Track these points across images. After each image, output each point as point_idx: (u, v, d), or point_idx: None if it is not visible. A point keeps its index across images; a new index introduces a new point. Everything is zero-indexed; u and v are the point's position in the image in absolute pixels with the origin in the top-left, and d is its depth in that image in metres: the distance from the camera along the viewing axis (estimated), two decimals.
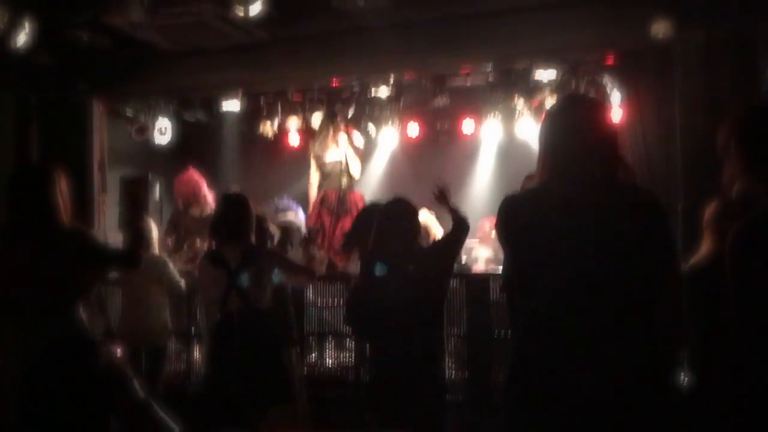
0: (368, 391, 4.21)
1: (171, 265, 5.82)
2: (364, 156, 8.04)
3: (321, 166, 7.97)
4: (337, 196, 7.61)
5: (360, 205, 7.51)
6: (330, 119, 8.05)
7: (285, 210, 8.02)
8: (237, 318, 4.11)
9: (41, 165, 3.78)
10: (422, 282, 3.92)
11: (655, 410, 2.26)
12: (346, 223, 7.41)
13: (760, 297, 2.21)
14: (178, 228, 7.26)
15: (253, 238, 4.31)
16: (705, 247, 3.45)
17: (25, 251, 3.39)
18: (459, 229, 4.18)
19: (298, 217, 8.16)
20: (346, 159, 7.82)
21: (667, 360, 2.38)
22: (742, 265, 2.30)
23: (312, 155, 8.18)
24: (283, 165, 9.47)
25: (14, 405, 3.09)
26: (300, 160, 9.50)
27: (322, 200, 7.66)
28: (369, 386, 4.28)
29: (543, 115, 2.60)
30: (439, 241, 4.34)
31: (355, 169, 7.85)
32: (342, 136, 7.84)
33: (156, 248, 5.87)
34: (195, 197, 7.29)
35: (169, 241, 7.15)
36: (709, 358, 3.06)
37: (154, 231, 5.89)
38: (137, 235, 3.65)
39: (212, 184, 7.63)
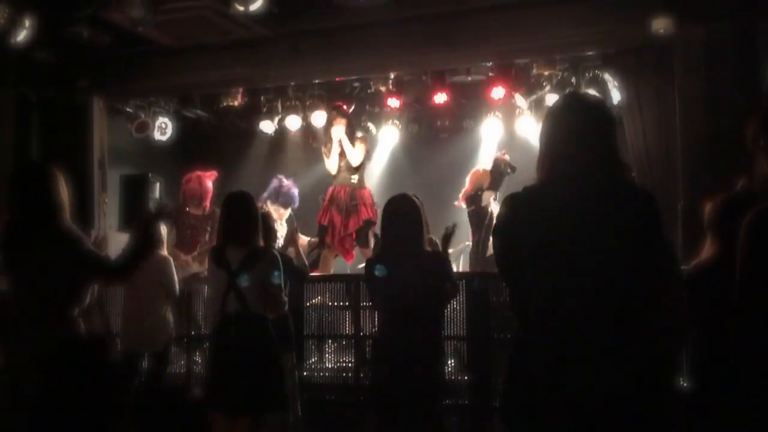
0: (368, 393, 4.20)
1: (172, 266, 5.78)
2: (366, 143, 7.71)
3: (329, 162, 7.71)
4: (346, 192, 7.48)
5: (369, 201, 7.42)
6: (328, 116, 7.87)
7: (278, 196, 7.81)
8: (235, 320, 4.08)
9: (44, 164, 3.73)
10: (423, 284, 3.91)
11: (654, 411, 2.26)
12: (355, 220, 7.35)
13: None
14: (178, 224, 7.21)
15: (259, 239, 4.20)
16: (708, 247, 3.40)
17: (27, 251, 3.39)
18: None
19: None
20: (342, 153, 7.55)
21: (666, 360, 2.38)
22: (757, 247, 2.31)
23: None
24: (283, 161, 9.47)
25: (21, 406, 3.11)
26: (300, 156, 9.50)
27: (331, 198, 7.45)
28: (369, 388, 4.27)
29: (544, 114, 2.61)
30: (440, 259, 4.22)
31: (354, 159, 7.58)
32: (337, 129, 7.59)
33: (164, 248, 5.83)
34: (200, 199, 7.24)
35: (170, 239, 7.07)
36: (710, 359, 3.05)
37: (164, 231, 5.85)
38: (140, 246, 3.45)
39: (216, 182, 7.58)
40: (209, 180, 7.38)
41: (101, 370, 2.34)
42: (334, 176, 7.56)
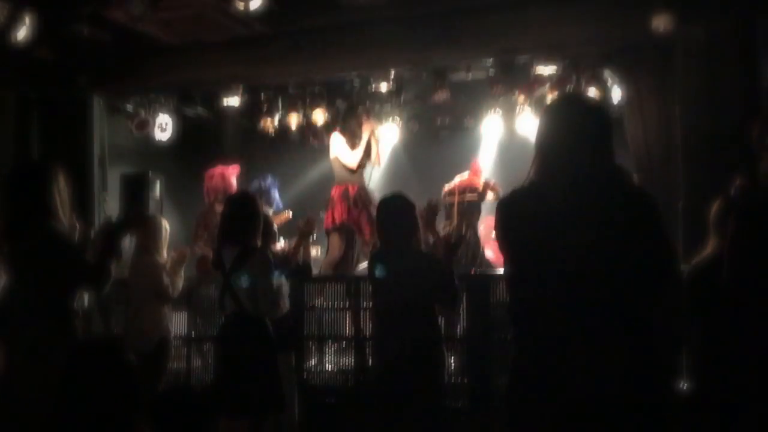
0: (368, 394, 4.20)
1: (161, 270, 5.69)
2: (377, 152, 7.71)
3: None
4: (358, 190, 7.41)
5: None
6: (351, 113, 7.80)
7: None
8: (232, 322, 4.07)
9: (39, 163, 3.72)
10: (414, 284, 3.91)
11: (654, 410, 2.26)
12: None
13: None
14: (209, 226, 7.14)
15: (257, 240, 4.19)
16: (709, 246, 3.41)
17: (16, 252, 3.38)
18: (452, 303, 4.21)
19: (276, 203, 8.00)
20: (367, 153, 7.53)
21: (666, 359, 2.38)
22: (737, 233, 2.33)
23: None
24: (284, 159, 9.46)
25: (18, 407, 3.13)
26: (300, 154, 9.50)
27: (345, 196, 7.23)
28: (370, 389, 4.27)
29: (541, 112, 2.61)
30: (436, 262, 4.19)
31: (378, 160, 7.52)
32: (367, 129, 7.56)
33: (164, 249, 5.79)
34: (224, 195, 7.15)
35: (201, 243, 7.04)
36: (710, 357, 3.05)
37: (164, 230, 5.82)
38: (108, 251, 3.46)
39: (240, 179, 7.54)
40: (232, 175, 7.34)
41: (120, 372, 2.36)
42: (348, 174, 7.40)
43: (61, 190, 3.49)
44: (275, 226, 5.58)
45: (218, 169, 7.34)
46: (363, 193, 7.28)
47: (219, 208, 7.00)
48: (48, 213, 3.40)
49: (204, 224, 7.14)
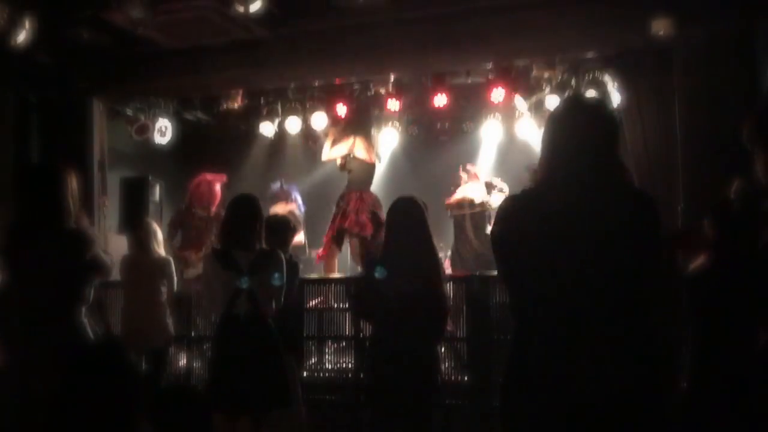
0: (365, 391, 4.20)
1: (172, 266, 5.79)
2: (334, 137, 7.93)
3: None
4: (361, 196, 7.60)
5: (343, 208, 7.52)
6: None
7: (279, 197, 7.96)
8: (243, 321, 4.09)
9: (54, 166, 3.74)
10: (426, 286, 3.91)
11: (652, 411, 2.25)
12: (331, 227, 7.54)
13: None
14: (184, 226, 7.23)
15: (262, 241, 4.24)
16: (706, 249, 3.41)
17: (31, 252, 3.40)
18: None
19: (297, 204, 8.15)
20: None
21: (664, 360, 2.38)
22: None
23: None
24: (284, 164, 9.47)
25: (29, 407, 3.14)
26: (300, 158, 9.51)
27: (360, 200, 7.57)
28: (366, 387, 4.28)
29: (543, 116, 2.62)
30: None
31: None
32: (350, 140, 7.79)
33: (162, 249, 5.83)
34: (208, 204, 7.29)
35: (175, 242, 7.12)
36: (708, 358, 3.05)
37: (159, 232, 5.87)
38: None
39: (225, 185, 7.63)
40: (218, 184, 7.41)
41: (122, 372, 2.35)
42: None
43: (73, 193, 3.53)
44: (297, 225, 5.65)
45: (204, 177, 7.40)
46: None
47: (199, 212, 7.18)
48: (60, 216, 3.43)
49: (179, 224, 7.24)
